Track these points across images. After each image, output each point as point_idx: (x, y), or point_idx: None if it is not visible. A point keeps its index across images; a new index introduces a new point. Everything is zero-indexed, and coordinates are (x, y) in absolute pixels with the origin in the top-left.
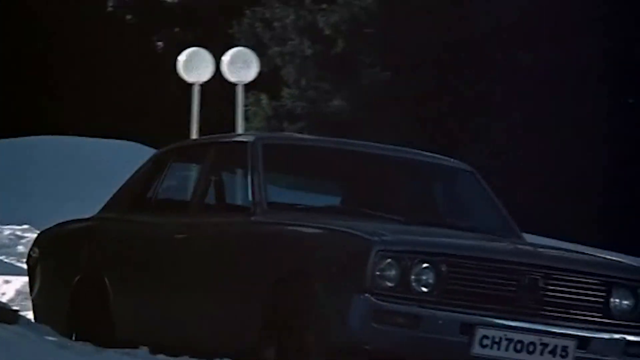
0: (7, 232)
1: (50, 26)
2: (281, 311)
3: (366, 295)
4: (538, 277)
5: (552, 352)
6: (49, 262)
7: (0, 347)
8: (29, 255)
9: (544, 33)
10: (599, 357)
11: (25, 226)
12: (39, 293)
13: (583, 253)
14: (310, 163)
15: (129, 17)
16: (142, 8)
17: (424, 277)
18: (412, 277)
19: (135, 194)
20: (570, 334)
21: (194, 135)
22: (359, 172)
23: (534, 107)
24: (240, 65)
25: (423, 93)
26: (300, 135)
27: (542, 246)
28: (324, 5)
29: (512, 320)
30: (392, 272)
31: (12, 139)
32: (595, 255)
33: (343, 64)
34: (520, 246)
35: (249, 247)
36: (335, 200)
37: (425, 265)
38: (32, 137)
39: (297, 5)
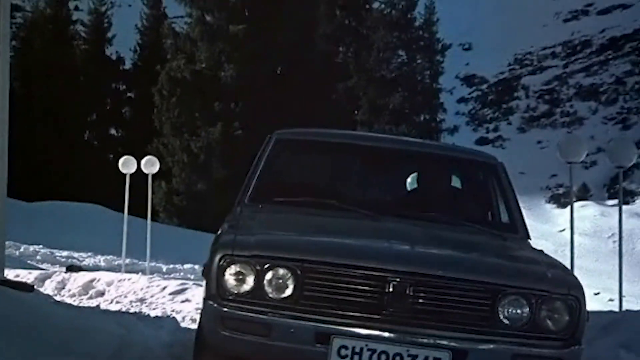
0: (31, 249)
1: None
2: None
3: (210, 302)
4: (406, 284)
5: None
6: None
7: (21, 304)
8: None
9: None
10: None
11: (40, 245)
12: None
13: (470, 255)
14: (322, 156)
15: (95, 142)
16: (100, 136)
17: (276, 283)
18: (264, 282)
19: None
20: (443, 345)
21: (126, 202)
22: (364, 165)
23: None
24: (151, 165)
25: None
26: (317, 130)
27: (427, 248)
28: None
29: (375, 329)
30: (242, 278)
31: (38, 202)
32: (483, 259)
33: None
34: (395, 247)
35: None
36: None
37: (277, 270)
38: (46, 202)
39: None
